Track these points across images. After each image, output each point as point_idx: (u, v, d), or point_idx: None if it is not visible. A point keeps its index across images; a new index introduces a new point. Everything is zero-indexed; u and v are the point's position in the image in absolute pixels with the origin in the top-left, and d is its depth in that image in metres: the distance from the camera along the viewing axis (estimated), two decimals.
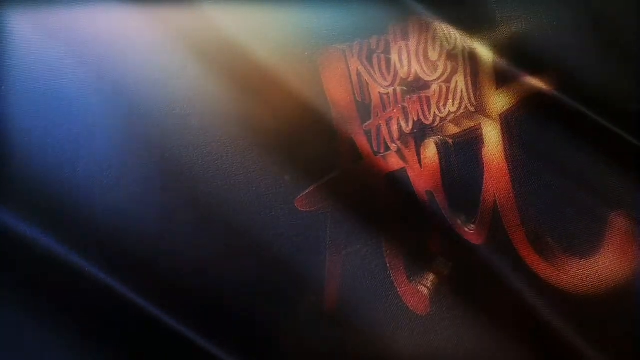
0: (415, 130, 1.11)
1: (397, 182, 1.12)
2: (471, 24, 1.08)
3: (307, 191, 1.12)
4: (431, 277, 1.11)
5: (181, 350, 1.07)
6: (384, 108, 1.13)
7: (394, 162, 1.13)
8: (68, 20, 1.10)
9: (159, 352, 1.08)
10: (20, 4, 1.09)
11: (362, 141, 1.13)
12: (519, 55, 1.06)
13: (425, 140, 1.11)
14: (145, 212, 1.10)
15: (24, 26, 1.09)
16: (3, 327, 1.07)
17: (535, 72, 1.05)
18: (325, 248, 1.11)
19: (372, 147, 1.14)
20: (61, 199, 1.08)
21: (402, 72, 1.11)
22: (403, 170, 1.13)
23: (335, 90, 1.13)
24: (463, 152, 1.09)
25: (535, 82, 1.05)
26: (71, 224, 1.07)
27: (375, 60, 1.12)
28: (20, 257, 1.07)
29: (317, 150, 1.12)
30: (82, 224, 1.07)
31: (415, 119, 1.11)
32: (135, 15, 1.11)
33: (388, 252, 1.11)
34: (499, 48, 1.07)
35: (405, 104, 1.11)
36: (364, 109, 1.14)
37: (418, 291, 1.10)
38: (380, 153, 1.14)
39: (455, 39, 1.08)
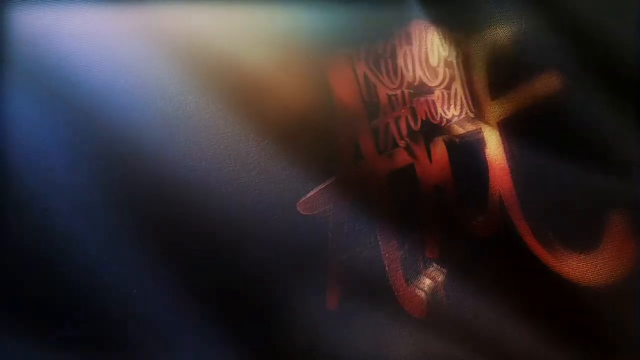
0: (424, 129, 1.15)
1: (404, 178, 1.14)
2: (466, 31, 1.14)
3: (309, 195, 1.12)
4: (426, 287, 1.12)
5: (183, 350, 1.02)
6: (393, 108, 1.16)
7: (401, 158, 1.16)
8: (71, 19, 1.07)
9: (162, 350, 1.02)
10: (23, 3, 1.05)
11: (367, 140, 1.15)
12: (515, 64, 1.13)
13: (435, 138, 1.15)
14: (144, 214, 1.05)
15: (27, 25, 1.05)
16: None
17: (531, 76, 1.12)
18: (327, 250, 1.10)
19: (377, 145, 1.16)
20: (58, 201, 1.03)
21: (409, 77, 1.15)
22: (411, 166, 1.16)
23: (343, 92, 1.15)
24: (469, 150, 1.14)
25: (531, 85, 1.12)
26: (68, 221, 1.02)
27: (382, 65, 1.16)
28: None
29: (320, 152, 1.13)
30: (78, 222, 1.02)
31: (424, 118, 1.16)
32: (137, 17, 1.10)
33: (388, 251, 1.12)
34: (493, 57, 1.13)
35: (414, 105, 1.16)
36: (372, 108, 1.16)
37: (419, 289, 1.12)
38: (386, 151, 1.16)
39: (450, 45, 1.13)
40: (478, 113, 1.14)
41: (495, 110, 1.13)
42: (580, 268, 1.08)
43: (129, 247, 1.04)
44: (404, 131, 1.16)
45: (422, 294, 1.11)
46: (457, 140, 1.15)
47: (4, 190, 1.01)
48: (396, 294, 1.11)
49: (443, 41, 1.13)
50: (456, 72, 1.14)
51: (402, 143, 1.15)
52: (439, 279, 1.12)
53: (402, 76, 1.15)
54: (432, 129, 1.16)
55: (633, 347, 1.06)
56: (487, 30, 1.14)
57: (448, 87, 1.15)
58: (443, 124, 1.16)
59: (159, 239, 1.04)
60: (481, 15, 1.14)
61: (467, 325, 1.11)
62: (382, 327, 1.10)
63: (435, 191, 1.14)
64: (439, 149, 1.15)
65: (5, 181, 1.00)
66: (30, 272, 1.00)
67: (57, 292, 1.00)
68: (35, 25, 1.05)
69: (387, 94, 1.16)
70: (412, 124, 1.16)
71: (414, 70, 1.15)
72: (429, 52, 1.14)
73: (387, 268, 1.11)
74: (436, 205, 1.14)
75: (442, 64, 1.14)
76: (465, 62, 1.13)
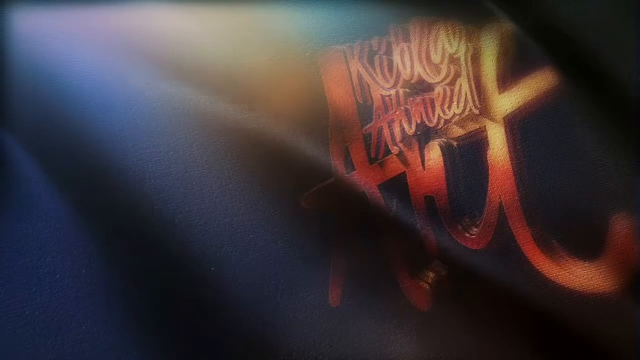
0: (418, 132, 1.11)
1: (393, 190, 1.14)
2: (473, 26, 1.07)
3: (311, 190, 1.12)
4: (430, 279, 1.12)
5: (185, 348, 1.07)
6: (386, 110, 1.12)
7: (393, 167, 1.14)
8: (72, 19, 1.08)
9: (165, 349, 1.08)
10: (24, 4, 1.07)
11: (358, 148, 1.13)
12: (522, 58, 1.06)
13: (429, 143, 1.11)
14: (147, 211, 1.08)
15: (30, 25, 1.07)
16: None
17: (538, 73, 1.05)
18: (329, 247, 1.11)
19: (369, 153, 1.14)
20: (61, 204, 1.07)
21: (405, 74, 1.10)
22: (402, 175, 1.13)
23: (336, 92, 1.12)
24: (468, 154, 1.10)
25: (538, 84, 1.05)
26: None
27: (377, 62, 1.10)
28: None
29: (317, 153, 1.12)
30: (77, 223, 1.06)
31: (419, 121, 1.11)
32: (135, 16, 1.09)
33: (392, 245, 1.13)
34: (501, 50, 1.06)
35: (408, 106, 1.11)
36: (365, 111, 1.12)
37: (423, 282, 1.14)
38: (378, 159, 1.13)
39: (458, 42, 1.07)
40: (484, 108, 1.08)
41: (504, 103, 1.06)
42: (585, 275, 1.06)
43: (126, 246, 1.08)
44: (398, 136, 1.12)
45: (426, 287, 1.11)
46: (455, 143, 1.10)
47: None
48: (401, 286, 1.12)
49: (451, 37, 1.07)
50: (462, 68, 1.07)
51: (395, 150, 1.13)
52: (443, 273, 1.13)
53: (398, 73, 1.10)
54: (427, 133, 1.12)
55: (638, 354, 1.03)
56: (498, 22, 1.08)
57: (451, 84, 1.09)
58: (440, 127, 1.11)
59: (157, 237, 1.08)
60: (490, 8, 1.08)
61: (469, 326, 1.11)
62: (386, 319, 1.12)
63: (426, 202, 1.13)
64: (434, 155, 1.11)
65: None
66: None
67: None
68: (33, 25, 1.07)
69: (380, 95, 1.12)
70: (406, 127, 1.11)
71: (412, 67, 1.10)
72: (432, 49, 1.09)
73: (391, 262, 1.12)
74: (426, 217, 1.13)
75: (446, 61, 1.08)
76: (475, 55, 1.07)
